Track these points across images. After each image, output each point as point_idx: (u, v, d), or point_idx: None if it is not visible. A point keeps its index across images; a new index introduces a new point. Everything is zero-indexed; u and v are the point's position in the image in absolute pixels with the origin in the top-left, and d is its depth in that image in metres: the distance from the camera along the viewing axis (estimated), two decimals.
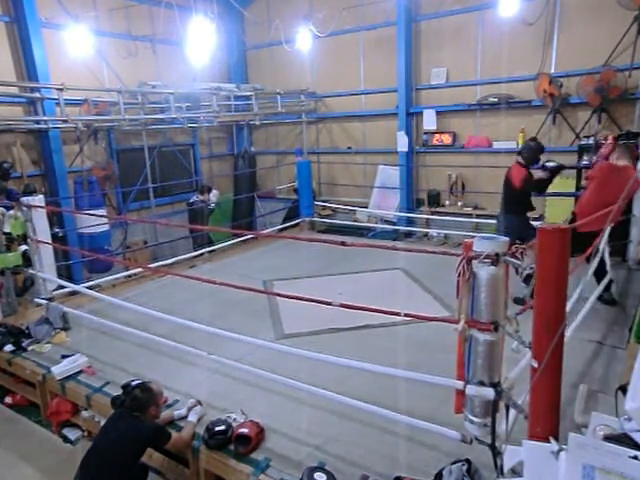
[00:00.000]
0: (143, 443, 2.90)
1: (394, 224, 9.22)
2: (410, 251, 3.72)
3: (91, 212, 7.35)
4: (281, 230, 9.19)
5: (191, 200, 9.15)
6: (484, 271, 2.41)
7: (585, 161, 6.93)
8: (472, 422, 2.59)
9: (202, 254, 7.65)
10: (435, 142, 8.96)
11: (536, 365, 2.28)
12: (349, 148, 10.27)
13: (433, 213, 8.86)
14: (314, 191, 9.76)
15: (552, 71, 7.61)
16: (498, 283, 2.43)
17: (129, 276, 6.70)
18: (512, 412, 2.58)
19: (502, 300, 2.49)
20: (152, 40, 9.32)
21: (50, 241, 5.46)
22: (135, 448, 2.85)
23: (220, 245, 7.97)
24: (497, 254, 2.38)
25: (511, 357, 2.70)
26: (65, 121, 7.22)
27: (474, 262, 2.43)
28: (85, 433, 4.01)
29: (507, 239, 2.48)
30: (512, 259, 2.43)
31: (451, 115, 8.79)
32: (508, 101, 7.99)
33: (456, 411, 2.73)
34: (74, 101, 7.63)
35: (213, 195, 9.16)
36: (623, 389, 2.28)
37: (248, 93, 9.72)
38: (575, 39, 7.38)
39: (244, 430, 3.08)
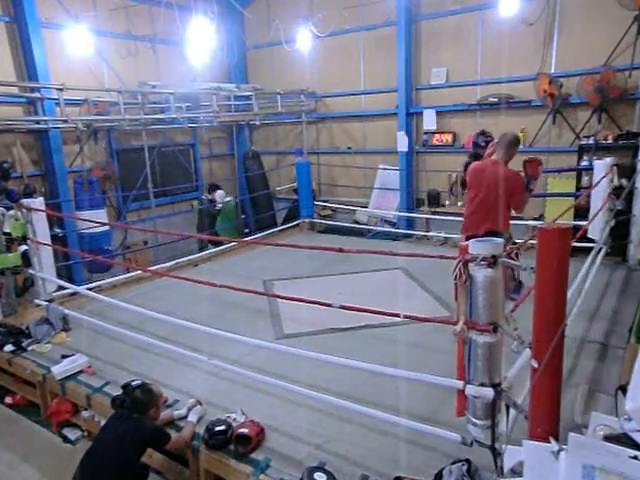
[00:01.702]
0: (143, 444, 2.90)
1: (394, 224, 9.22)
2: (409, 256, 3.74)
3: (91, 214, 7.35)
4: (281, 231, 9.20)
5: (201, 198, 9.28)
6: (481, 273, 2.41)
7: (585, 162, 6.92)
8: (475, 425, 2.58)
9: (202, 254, 7.66)
10: (435, 142, 8.96)
11: (536, 365, 2.28)
12: (349, 148, 10.27)
13: (433, 213, 8.86)
14: (314, 191, 9.77)
15: (552, 71, 7.61)
16: (495, 285, 2.43)
17: (129, 277, 6.70)
18: (512, 412, 2.58)
19: (500, 301, 2.49)
20: (152, 40, 9.32)
21: (50, 242, 5.45)
22: (135, 449, 2.85)
23: (222, 247, 8.01)
24: (494, 256, 2.38)
25: (511, 356, 2.70)
26: (65, 121, 7.22)
27: (471, 265, 2.43)
28: (85, 433, 4.01)
29: (502, 240, 2.48)
30: (509, 260, 2.43)
31: (451, 115, 8.79)
32: (508, 101, 7.98)
33: (458, 414, 2.72)
34: (74, 101, 7.63)
35: (218, 196, 9.19)
36: (623, 389, 2.28)
37: (248, 93, 9.72)
38: (575, 39, 7.38)
39: (244, 430, 3.08)
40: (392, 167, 9.46)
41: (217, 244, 8.32)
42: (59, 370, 4.07)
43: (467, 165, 5.09)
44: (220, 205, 9.23)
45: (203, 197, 9.35)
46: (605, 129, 7.21)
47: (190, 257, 7.50)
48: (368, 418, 3.15)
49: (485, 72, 8.27)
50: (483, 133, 5.32)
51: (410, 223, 9.12)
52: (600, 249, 5.54)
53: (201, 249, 8.37)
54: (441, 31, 8.62)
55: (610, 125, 7.24)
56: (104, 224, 7.47)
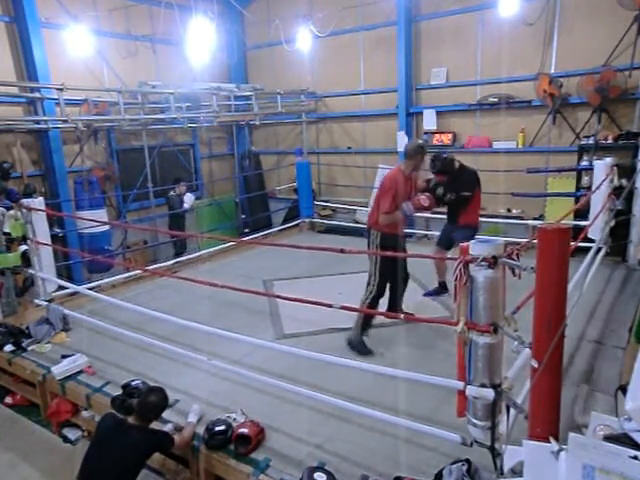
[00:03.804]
0: (150, 452, 2.94)
1: None
2: (409, 256, 3.81)
3: (91, 214, 7.35)
4: (281, 231, 9.19)
5: (169, 195, 8.67)
6: (482, 274, 2.40)
7: (585, 162, 6.91)
8: (475, 425, 2.58)
9: (200, 255, 7.63)
10: (435, 142, 8.95)
11: (536, 365, 2.28)
12: (349, 148, 10.27)
13: (433, 213, 8.83)
14: (314, 191, 9.76)
15: (552, 71, 7.60)
16: (496, 285, 2.42)
17: (128, 277, 6.69)
18: (512, 412, 2.58)
19: (501, 302, 2.49)
20: (152, 40, 9.32)
21: (50, 242, 5.45)
22: (143, 458, 2.88)
23: (215, 248, 7.85)
24: (494, 257, 2.38)
25: (511, 356, 2.70)
26: (65, 121, 7.21)
27: (471, 265, 2.43)
28: (85, 433, 4.01)
29: (503, 241, 2.47)
30: (510, 260, 2.43)
31: (451, 115, 8.79)
32: (508, 101, 7.98)
33: (458, 415, 2.72)
34: (74, 101, 7.62)
35: (187, 197, 8.61)
36: (623, 389, 2.28)
37: (248, 93, 9.71)
38: (575, 39, 7.38)
39: (244, 430, 3.08)
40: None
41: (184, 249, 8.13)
42: (59, 370, 4.07)
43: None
44: (187, 206, 8.55)
45: (172, 194, 8.60)
46: (605, 129, 7.20)
47: (190, 256, 7.50)
48: (368, 418, 3.15)
49: (485, 72, 8.27)
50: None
51: (410, 223, 9.10)
52: (600, 249, 5.54)
53: (178, 254, 8.02)
54: (441, 31, 8.62)
55: (610, 125, 7.24)
56: (104, 223, 7.47)
